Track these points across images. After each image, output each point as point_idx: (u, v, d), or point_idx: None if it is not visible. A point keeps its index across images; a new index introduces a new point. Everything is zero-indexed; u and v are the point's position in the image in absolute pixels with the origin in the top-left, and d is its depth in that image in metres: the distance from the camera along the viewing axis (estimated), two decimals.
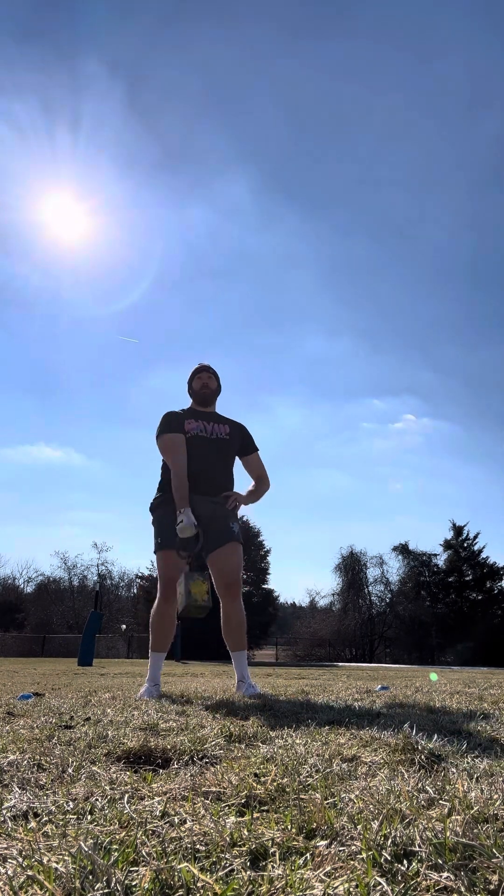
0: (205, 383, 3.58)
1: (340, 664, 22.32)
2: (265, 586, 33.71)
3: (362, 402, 58.14)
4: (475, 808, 0.86)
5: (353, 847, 0.74)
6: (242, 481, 3.56)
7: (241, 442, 3.58)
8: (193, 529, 3.05)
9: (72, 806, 0.93)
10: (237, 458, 3.56)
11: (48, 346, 57.10)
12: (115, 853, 0.71)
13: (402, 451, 57.75)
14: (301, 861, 0.70)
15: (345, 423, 60.19)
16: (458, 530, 36.16)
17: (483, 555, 35.06)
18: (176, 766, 1.23)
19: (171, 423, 3.40)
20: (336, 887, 0.63)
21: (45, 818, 0.87)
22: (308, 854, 0.72)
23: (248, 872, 0.66)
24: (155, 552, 3.26)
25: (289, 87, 51.37)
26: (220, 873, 0.66)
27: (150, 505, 3.39)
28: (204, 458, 3.34)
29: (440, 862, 0.68)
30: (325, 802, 0.91)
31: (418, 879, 0.65)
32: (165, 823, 0.83)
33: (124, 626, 32.78)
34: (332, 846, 0.74)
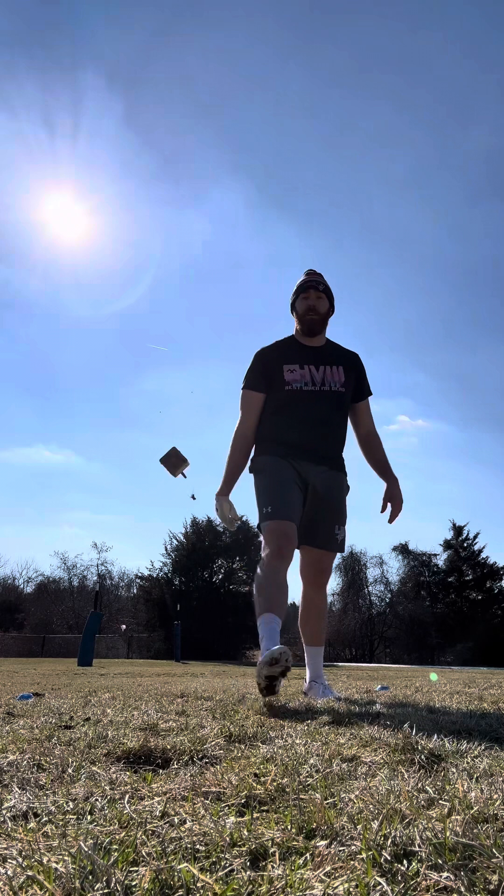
0: (311, 306, 2.65)
1: (340, 664, 22.30)
2: None
3: None
4: (475, 808, 0.86)
5: (353, 847, 0.74)
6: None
7: (354, 384, 2.68)
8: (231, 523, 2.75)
9: (72, 806, 0.93)
10: None
11: (47, 347, 57.15)
12: (115, 853, 0.71)
13: (399, 453, 57.68)
14: (301, 861, 0.70)
15: None
16: (458, 530, 36.17)
17: (483, 555, 35.11)
18: (176, 766, 1.23)
19: (255, 376, 2.60)
20: (336, 887, 0.63)
21: (45, 818, 0.87)
22: (308, 854, 0.72)
23: (248, 872, 0.66)
24: (260, 523, 2.60)
25: (285, 93, 51.62)
26: (220, 873, 0.66)
27: (250, 465, 2.69)
28: (315, 418, 2.56)
29: (440, 862, 0.68)
30: (325, 802, 0.91)
31: (418, 879, 0.65)
32: (165, 823, 0.83)
33: (124, 627, 32.78)
34: (332, 846, 0.74)
